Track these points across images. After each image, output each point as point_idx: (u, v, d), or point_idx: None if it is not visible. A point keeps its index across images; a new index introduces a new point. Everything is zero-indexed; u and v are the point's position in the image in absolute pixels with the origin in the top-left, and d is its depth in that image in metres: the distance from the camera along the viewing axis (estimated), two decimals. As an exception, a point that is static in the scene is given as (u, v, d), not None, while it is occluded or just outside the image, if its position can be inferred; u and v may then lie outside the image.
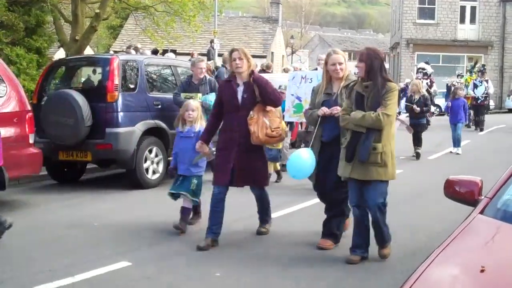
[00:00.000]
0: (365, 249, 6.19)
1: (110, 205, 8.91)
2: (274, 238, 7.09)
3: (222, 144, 6.74)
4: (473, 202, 3.59)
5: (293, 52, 51.72)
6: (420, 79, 23.00)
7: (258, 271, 5.93)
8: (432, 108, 26.61)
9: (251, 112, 6.62)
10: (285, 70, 18.38)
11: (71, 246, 6.65)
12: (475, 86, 22.95)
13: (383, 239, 6.24)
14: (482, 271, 2.78)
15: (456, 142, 15.25)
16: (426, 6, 42.39)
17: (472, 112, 23.12)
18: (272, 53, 36.32)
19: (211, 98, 9.64)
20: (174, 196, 7.42)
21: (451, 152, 15.08)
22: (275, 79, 11.31)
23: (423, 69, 24.17)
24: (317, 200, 9.10)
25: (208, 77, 10.53)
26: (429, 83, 23.32)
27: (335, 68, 6.43)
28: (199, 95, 9.98)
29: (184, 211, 7.33)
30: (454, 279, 2.84)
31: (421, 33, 42.16)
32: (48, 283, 5.43)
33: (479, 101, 22.95)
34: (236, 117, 6.66)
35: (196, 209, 7.63)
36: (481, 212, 3.41)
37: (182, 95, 9.99)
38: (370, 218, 6.11)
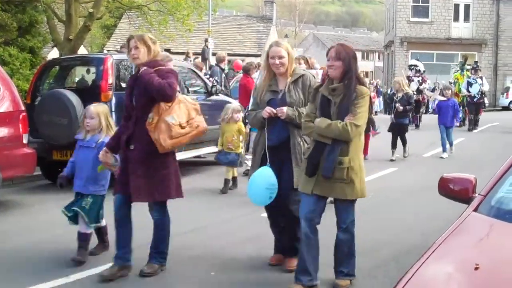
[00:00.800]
0: (313, 276, 5.28)
1: (105, 204, 8.88)
2: (267, 238, 7.08)
3: (122, 152, 5.66)
4: (467, 200, 3.60)
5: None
6: (411, 76, 22.79)
7: (253, 270, 5.92)
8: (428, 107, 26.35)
9: (149, 115, 5.45)
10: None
11: (66, 247, 6.62)
12: (469, 84, 22.29)
13: (343, 266, 5.41)
14: (476, 268, 2.78)
15: (446, 147, 14.28)
16: (420, 4, 42.46)
17: (467, 110, 22.64)
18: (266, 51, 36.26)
19: None
20: (70, 218, 6.15)
21: (441, 157, 14.05)
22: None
23: (415, 66, 23.67)
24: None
25: None
26: (420, 81, 22.93)
27: (274, 62, 5.63)
28: None
29: (80, 237, 6.09)
30: (449, 277, 2.84)
31: (415, 31, 42.23)
32: (42, 284, 5.41)
33: (475, 99, 22.34)
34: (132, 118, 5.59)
35: (102, 236, 6.43)
36: (475, 210, 3.42)
37: None
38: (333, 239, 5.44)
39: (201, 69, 14.43)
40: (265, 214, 7.93)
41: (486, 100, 31.68)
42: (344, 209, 5.24)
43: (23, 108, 8.81)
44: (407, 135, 13.67)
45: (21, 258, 6.24)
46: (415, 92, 20.86)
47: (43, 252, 6.44)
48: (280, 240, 6.08)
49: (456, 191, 3.71)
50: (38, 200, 9.27)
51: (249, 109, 6.25)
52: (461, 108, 22.75)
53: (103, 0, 18.26)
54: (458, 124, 15.26)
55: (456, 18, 42.25)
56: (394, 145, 13.53)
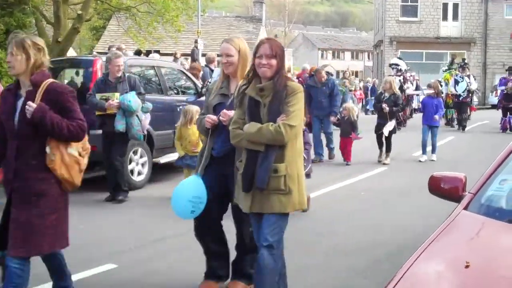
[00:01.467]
0: None
1: (95, 207, 8.86)
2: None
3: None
4: (457, 198, 3.61)
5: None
6: (393, 75, 21.08)
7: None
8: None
9: (47, 149, 4.32)
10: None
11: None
12: (456, 82, 21.36)
13: None
14: (467, 266, 2.80)
15: (425, 147, 13.46)
16: (409, 3, 42.64)
17: (454, 110, 22.03)
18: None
19: (130, 97, 8.93)
20: None
21: (419, 160, 13.28)
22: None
23: (396, 64, 22.42)
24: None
25: (127, 74, 9.38)
26: (401, 80, 21.73)
27: (222, 60, 5.03)
28: (117, 94, 8.99)
29: None
30: (439, 275, 2.85)
31: (404, 31, 42.39)
32: (33, 287, 5.38)
33: (460, 98, 21.34)
34: (12, 146, 4.37)
35: None
36: (465, 208, 3.43)
37: (98, 95, 9.06)
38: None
39: (199, 71, 14.37)
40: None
41: (475, 99, 31.54)
42: (274, 222, 4.41)
43: (12, 111, 8.77)
44: (393, 137, 13.14)
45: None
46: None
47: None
48: (212, 264, 5.33)
49: (446, 190, 3.72)
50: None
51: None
52: (451, 110, 22.29)
53: (91, 2, 18.21)
54: (440, 120, 14.17)
55: (445, 17, 42.47)
56: (380, 145, 13.16)
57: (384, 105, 12.67)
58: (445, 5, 42.38)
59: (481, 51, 42.25)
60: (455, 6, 42.39)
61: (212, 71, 16.06)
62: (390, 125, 12.76)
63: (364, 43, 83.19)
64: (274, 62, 4.33)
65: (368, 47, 71.32)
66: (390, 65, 23.17)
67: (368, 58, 75.10)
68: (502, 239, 3.12)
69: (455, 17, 42.47)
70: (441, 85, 23.40)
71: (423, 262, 2.93)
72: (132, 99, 8.92)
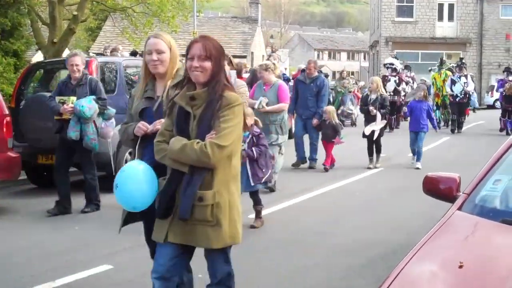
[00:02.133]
0: None
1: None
2: (255, 239, 7.09)
3: None
4: (451, 199, 3.62)
5: (273, 52, 51.73)
6: (388, 75, 21.12)
7: (241, 272, 5.92)
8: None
9: None
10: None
11: (52, 251, 6.60)
12: (453, 82, 20.36)
13: None
14: (460, 267, 2.80)
15: (418, 156, 12.51)
16: (405, 4, 42.73)
17: (451, 111, 21.01)
18: (252, 53, 36.35)
19: (84, 102, 8.13)
20: None
21: (412, 163, 12.64)
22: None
23: (392, 64, 21.50)
24: (298, 199, 9.19)
25: (89, 76, 8.65)
26: (397, 81, 20.98)
27: (151, 58, 4.24)
28: (73, 98, 8.26)
29: None
30: (433, 275, 2.86)
31: (400, 31, 42.46)
32: (48, 282, 5.40)
33: (457, 99, 20.31)
34: None
35: None
36: (459, 208, 3.44)
37: (57, 98, 8.44)
38: None
39: None
40: (253, 215, 8.00)
41: (474, 101, 31.04)
42: (214, 259, 3.95)
43: (7, 112, 8.77)
44: (382, 140, 12.53)
45: (7, 263, 6.20)
46: (391, 93, 19.89)
47: (29, 256, 6.41)
48: None
49: (441, 190, 3.73)
50: (24, 204, 9.21)
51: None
52: (440, 109, 21.56)
53: (87, 2, 18.18)
54: (437, 131, 13.56)
55: (440, 18, 42.55)
56: (371, 152, 12.35)
57: (371, 108, 12.00)
58: (440, 6, 42.47)
59: (476, 52, 42.34)
60: (451, 6, 42.48)
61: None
62: (381, 122, 12.14)
63: (360, 43, 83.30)
64: (207, 64, 3.68)
65: (364, 48, 71.41)
66: (385, 64, 22.33)
67: (364, 58, 75.18)
68: (496, 239, 3.13)
69: (450, 17, 42.56)
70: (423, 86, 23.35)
71: (417, 262, 2.94)
72: (87, 105, 8.12)
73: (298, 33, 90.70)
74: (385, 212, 8.45)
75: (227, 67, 7.42)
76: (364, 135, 12.29)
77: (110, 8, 20.72)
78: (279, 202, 8.87)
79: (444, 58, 23.93)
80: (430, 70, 23.29)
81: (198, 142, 3.59)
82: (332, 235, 7.22)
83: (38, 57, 23.56)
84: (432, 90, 21.56)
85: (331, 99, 25.44)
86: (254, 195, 7.62)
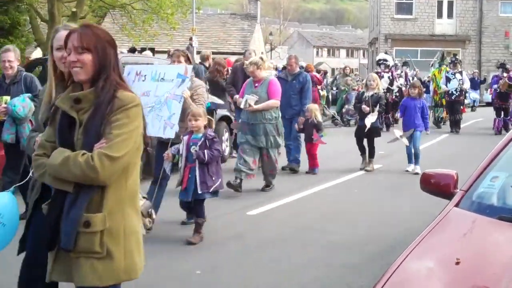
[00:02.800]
0: None
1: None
2: (254, 236, 7.10)
3: None
4: (449, 195, 3.63)
5: (272, 49, 51.78)
6: (381, 72, 19.28)
7: (239, 269, 5.94)
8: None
9: None
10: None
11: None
12: (448, 79, 19.10)
13: None
14: (457, 263, 2.81)
15: (412, 157, 11.53)
16: (404, 1, 42.71)
17: (446, 110, 20.13)
18: (250, 50, 36.29)
19: (17, 101, 7.35)
20: None
21: (407, 170, 11.41)
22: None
23: (385, 60, 19.91)
24: (297, 196, 9.20)
25: (24, 73, 7.77)
26: (390, 77, 19.52)
27: (61, 55, 3.53)
28: (6, 98, 7.50)
29: None
30: (430, 272, 2.87)
31: (399, 28, 42.45)
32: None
33: (453, 97, 19.05)
34: None
35: None
36: (457, 205, 3.44)
37: None
38: None
39: (224, 68, 14.03)
40: (251, 212, 8.01)
41: (472, 98, 29.57)
42: None
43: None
44: (379, 139, 11.68)
45: (2, 264, 6.19)
46: (384, 90, 18.03)
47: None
48: None
49: (438, 187, 3.74)
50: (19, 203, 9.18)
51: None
52: (439, 109, 20.45)
53: (86, -1, 18.20)
54: (428, 132, 12.07)
55: (439, 15, 42.53)
56: (363, 150, 11.67)
57: (364, 106, 11.24)
58: (440, 3, 42.45)
59: (475, 49, 42.33)
60: (450, 3, 42.46)
61: (207, 68, 16.05)
62: (373, 116, 11.20)
63: (359, 40, 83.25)
64: (87, 58, 3.00)
65: (363, 45, 71.37)
66: (378, 61, 20.62)
67: (363, 55, 75.18)
68: (493, 236, 3.14)
69: (450, 14, 42.54)
70: (427, 82, 21.69)
71: (414, 258, 2.95)
72: (20, 104, 7.32)
73: (297, 30, 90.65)
74: (382, 209, 8.46)
75: (183, 63, 6.99)
76: (355, 134, 11.64)
77: (109, 4, 20.75)
78: (275, 200, 8.87)
79: (442, 53, 22.22)
80: (431, 65, 22.63)
81: (83, 154, 2.89)
82: (329, 232, 7.22)
83: (37, 53, 23.57)
84: (432, 87, 20.75)
85: (330, 97, 25.00)
86: (198, 204, 6.74)
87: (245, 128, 9.38)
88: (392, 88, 19.55)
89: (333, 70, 29.38)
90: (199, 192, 6.57)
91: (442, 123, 20.70)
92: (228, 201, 8.30)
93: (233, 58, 16.09)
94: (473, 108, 30.48)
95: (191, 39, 22.93)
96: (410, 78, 21.58)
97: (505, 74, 18.94)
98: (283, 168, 11.22)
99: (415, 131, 11.30)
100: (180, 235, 6.96)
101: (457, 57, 21.07)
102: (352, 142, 11.98)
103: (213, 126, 7.02)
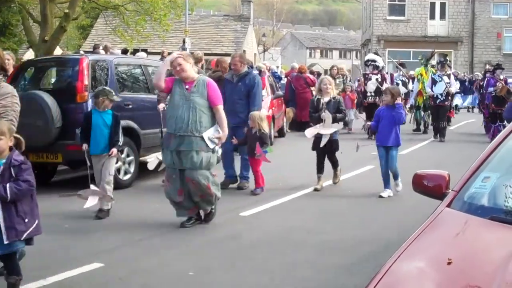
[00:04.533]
0: None
1: (81, 206, 8.83)
2: (247, 236, 7.10)
3: None
4: (440, 196, 3.63)
5: (265, 50, 51.83)
6: (369, 74, 18.07)
7: (232, 269, 5.93)
8: None
9: None
10: (257, 68, 18.31)
11: (43, 249, 6.56)
12: (434, 82, 17.27)
13: None
14: (449, 263, 2.82)
15: (388, 180, 9.47)
16: (396, 2, 42.86)
17: (431, 115, 18.36)
18: (244, 51, 36.24)
19: None
20: None
21: (381, 196, 9.29)
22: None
23: (373, 61, 18.21)
24: (289, 197, 9.20)
25: None
26: (379, 79, 17.66)
27: None
28: None
29: None
30: (422, 272, 2.88)
31: (391, 30, 42.58)
32: (20, 287, 5.37)
33: (438, 101, 17.16)
34: None
35: None
36: (448, 205, 3.45)
37: None
38: None
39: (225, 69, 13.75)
40: (244, 213, 8.01)
41: (467, 101, 28.11)
42: None
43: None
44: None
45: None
46: (372, 94, 17.47)
47: (20, 254, 6.38)
48: None
49: (430, 187, 3.75)
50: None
51: None
52: (422, 112, 19.08)
53: (79, 0, 18.14)
54: (399, 144, 9.59)
55: (432, 16, 42.71)
56: (320, 169, 9.95)
57: (323, 114, 9.58)
58: (432, 4, 42.62)
59: (468, 50, 42.52)
60: (442, 5, 42.63)
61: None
62: (331, 126, 9.65)
63: (352, 42, 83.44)
64: None
65: (356, 46, 71.51)
66: (366, 61, 18.96)
67: (356, 57, 75.33)
68: (484, 236, 3.15)
69: (442, 16, 42.72)
70: (410, 82, 20.32)
71: (405, 259, 2.96)
72: None
73: (290, 32, 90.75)
74: (375, 210, 8.47)
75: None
76: (313, 147, 9.97)
77: (102, 6, 20.71)
78: (269, 201, 8.86)
79: (432, 53, 20.35)
80: (421, 62, 20.07)
81: None
82: (322, 232, 7.23)
83: (29, 55, 23.51)
84: (416, 87, 19.08)
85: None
86: (9, 259, 5.06)
87: (169, 141, 7.28)
88: (382, 90, 17.12)
89: (325, 71, 29.41)
90: (5, 242, 4.79)
91: (426, 127, 19.21)
92: (221, 201, 8.29)
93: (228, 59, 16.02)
94: (457, 109, 28.66)
95: (184, 40, 22.93)
96: (399, 82, 20.42)
97: (502, 76, 17.29)
98: (239, 188, 9.84)
99: (391, 149, 9.35)
100: (173, 236, 6.95)
101: (447, 58, 19.46)
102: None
103: (23, 147, 5.06)
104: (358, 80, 19.63)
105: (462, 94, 28.35)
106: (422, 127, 19.35)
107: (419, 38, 41.87)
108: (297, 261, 6.12)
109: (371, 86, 17.67)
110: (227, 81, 9.89)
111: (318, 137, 9.76)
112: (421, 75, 18.81)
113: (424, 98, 18.61)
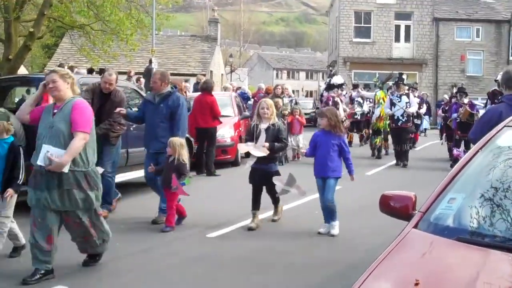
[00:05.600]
0: None
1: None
2: (214, 258, 7.04)
3: None
4: (407, 217, 3.64)
5: (232, 71, 51.92)
6: (335, 97, 17.04)
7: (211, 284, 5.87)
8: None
9: None
10: (225, 89, 18.33)
11: (6, 271, 6.42)
12: (393, 104, 16.01)
13: None
14: (416, 284, 2.82)
15: (328, 215, 8.35)
16: (362, 25, 43.39)
17: (392, 139, 16.83)
18: (211, 71, 36.37)
19: None
20: None
21: (319, 232, 8.24)
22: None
23: (343, 84, 17.64)
24: (261, 216, 9.16)
25: None
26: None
27: None
28: None
29: None
30: (389, 294, 2.87)
31: (357, 52, 43.06)
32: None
33: (399, 123, 15.86)
34: None
35: None
36: (415, 226, 3.46)
37: None
38: None
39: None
40: (211, 235, 7.94)
41: (425, 124, 26.65)
42: None
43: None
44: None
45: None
46: (358, 115, 17.74)
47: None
48: None
49: (397, 208, 3.75)
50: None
51: None
52: (378, 137, 17.95)
53: (44, 19, 17.99)
54: (352, 177, 8.50)
55: (397, 39, 43.34)
56: (255, 204, 8.64)
57: (259, 144, 8.35)
58: (397, 27, 43.27)
59: (432, 72, 43.17)
60: (407, 28, 43.30)
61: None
62: (258, 149, 8.37)
63: (319, 63, 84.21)
64: None
65: (323, 67, 72.15)
66: (337, 85, 17.59)
67: (323, 78, 75.92)
68: (451, 257, 3.16)
69: (407, 38, 43.37)
70: (366, 102, 19.93)
71: (373, 280, 2.95)
72: None
73: (257, 52, 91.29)
74: (342, 230, 8.47)
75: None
76: (250, 179, 8.78)
77: (67, 25, 20.57)
78: (236, 222, 8.81)
79: (390, 74, 19.48)
80: (376, 85, 19.34)
81: None
82: (289, 253, 7.21)
83: (-7, 74, 23.21)
84: (378, 112, 17.86)
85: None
86: None
87: (37, 175, 6.08)
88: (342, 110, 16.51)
89: (293, 92, 29.59)
90: None
91: (381, 153, 18.18)
92: (187, 223, 8.21)
93: (192, 80, 16.04)
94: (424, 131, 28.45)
95: (150, 60, 22.86)
96: (360, 101, 20.45)
97: (465, 100, 15.98)
98: (153, 222, 8.63)
99: (328, 179, 8.22)
100: (139, 258, 6.86)
101: (403, 77, 17.13)
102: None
103: None
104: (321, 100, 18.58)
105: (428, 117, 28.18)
106: (380, 152, 18.16)
107: (384, 60, 42.39)
108: (265, 282, 6.10)
109: (342, 112, 16.42)
110: (147, 102, 9.03)
111: (254, 169, 8.63)
112: (382, 98, 17.74)
113: (384, 122, 17.50)
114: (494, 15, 43.88)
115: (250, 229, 8.34)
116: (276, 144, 8.42)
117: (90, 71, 17.53)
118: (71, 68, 15.01)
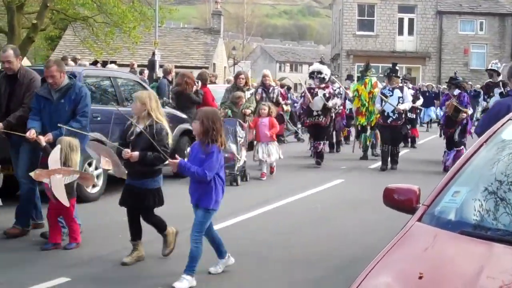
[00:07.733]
0: None
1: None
2: (213, 252, 7.03)
3: None
4: (411, 210, 3.63)
5: (235, 63, 51.89)
6: (314, 88, 14.20)
7: (198, 284, 5.87)
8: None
9: None
10: (228, 81, 18.28)
11: (9, 263, 6.44)
12: (385, 96, 13.82)
13: None
14: (420, 277, 2.81)
15: (215, 247, 6.37)
16: (366, 18, 43.30)
17: (380, 139, 14.71)
18: (214, 64, 36.32)
19: None
20: None
21: (209, 273, 6.26)
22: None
23: (319, 72, 14.30)
24: (257, 212, 9.17)
25: None
26: (327, 94, 13.93)
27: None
28: None
29: None
30: (393, 287, 2.86)
31: (360, 45, 42.97)
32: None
33: (389, 120, 13.74)
34: None
35: None
36: (419, 220, 3.45)
37: None
38: None
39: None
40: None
41: (432, 115, 26.45)
42: None
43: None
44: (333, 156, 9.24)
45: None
46: (319, 112, 13.92)
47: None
48: None
49: (401, 201, 3.74)
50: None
51: None
52: (367, 134, 15.65)
53: (47, 11, 17.98)
54: None
55: (400, 32, 43.23)
56: (134, 233, 6.58)
57: (126, 151, 6.19)
58: (401, 20, 43.16)
59: (435, 66, 43.10)
60: (411, 21, 43.20)
61: (170, 82, 15.97)
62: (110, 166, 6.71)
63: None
64: None
65: (326, 61, 72.00)
66: (311, 73, 14.80)
67: (326, 71, 75.74)
68: (454, 250, 3.15)
69: (410, 32, 43.27)
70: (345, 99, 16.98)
71: (376, 274, 2.94)
72: None
73: (260, 45, 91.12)
74: (345, 224, 8.46)
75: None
76: (120, 201, 6.64)
77: (70, 17, 20.58)
78: (235, 216, 8.78)
79: (367, 62, 16.84)
80: (359, 78, 17.14)
81: None
82: (290, 247, 7.20)
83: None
84: (354, 106, 16.14)
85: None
86: None
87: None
88: (329, 106, 14.03)
89: (295, 85, 29.37)
90: None
91: (374, 150, 16.00)
92: (187, 217, 8.20)
93: (196, 72, 16.00)
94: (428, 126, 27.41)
95: (153, 53, 22.85)
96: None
97: (455, 92, 13.56)
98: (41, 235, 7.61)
99: (199, 209, 6.03)
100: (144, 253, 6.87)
101: (396, 68, 14.81)
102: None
103: None
104: (303, 95, 15.24)
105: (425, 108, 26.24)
106: (371, 152, 15.98)
107: (387, 53, 42.26)
108: (265, 276, 6.11)
109: (318, 103, 13.88)
110: (41, 98, 7.22)
111: (128, 186, 6.47)
112: (357, 91, 15.69)
113: (366, 118, 15.49)
114: (498, 8, 43.74)
115: (124, 264, 6.32)
116: (148, 153, 6.13)
117: (95, 63, 17.54)
118: (74, 60, 15.00)
